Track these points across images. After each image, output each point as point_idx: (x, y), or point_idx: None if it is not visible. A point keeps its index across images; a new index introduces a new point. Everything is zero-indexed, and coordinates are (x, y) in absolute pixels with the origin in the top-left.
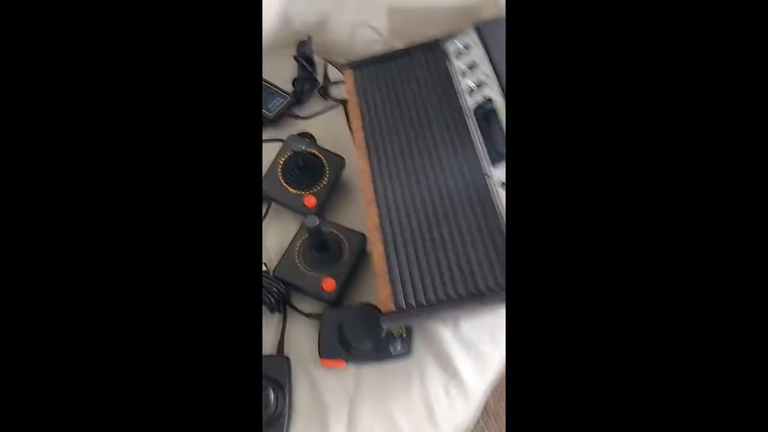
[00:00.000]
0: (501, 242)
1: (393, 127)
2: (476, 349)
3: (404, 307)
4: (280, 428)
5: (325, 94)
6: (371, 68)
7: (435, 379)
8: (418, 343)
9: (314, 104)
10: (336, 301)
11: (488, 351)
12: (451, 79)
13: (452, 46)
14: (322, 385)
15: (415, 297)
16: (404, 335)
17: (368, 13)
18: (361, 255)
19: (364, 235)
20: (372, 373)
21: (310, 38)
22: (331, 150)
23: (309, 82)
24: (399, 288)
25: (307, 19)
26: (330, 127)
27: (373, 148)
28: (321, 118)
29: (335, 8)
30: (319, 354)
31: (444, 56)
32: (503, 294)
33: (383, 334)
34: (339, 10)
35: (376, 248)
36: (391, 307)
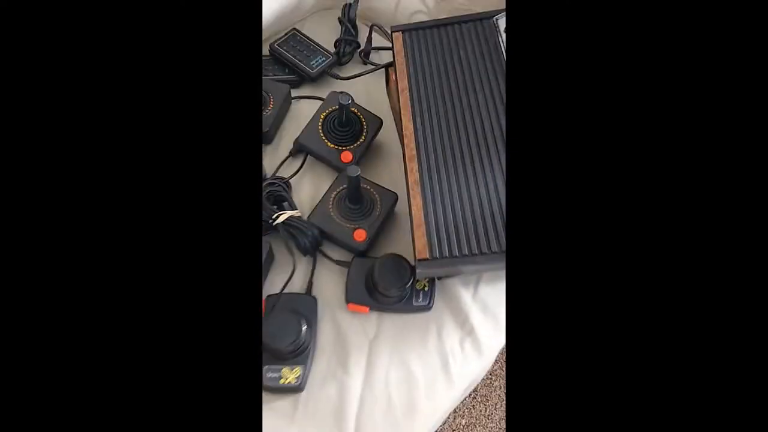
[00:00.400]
0: None
1: (439, 92)
2: (492, 312)
3: (438, 256)
4: (305, 360)
5: (365, 58)
6: (420, 33)
7: (452, 333)
8: (438, 300)
9: (354, 67)
10: (365, 252)
11: (503, 315)
12: (501, 52)
13: (504, 21)
14: (345, 326)
15: (449, 248)
16: (426, 289)
17: None
18: (391, 212)
19: (395, 194)
20: (393, 320)
21: (356, 1)
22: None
23: (351, 44)
24: (434, 239)
25: None
26: (368, 90)
27: (418, 109)
28: (360, 81)
29: None
30: (346, 298)
31: (495, 30)
32: None
33: (409, 284)
34: None
35: (415, 201)
36: (427, 255)
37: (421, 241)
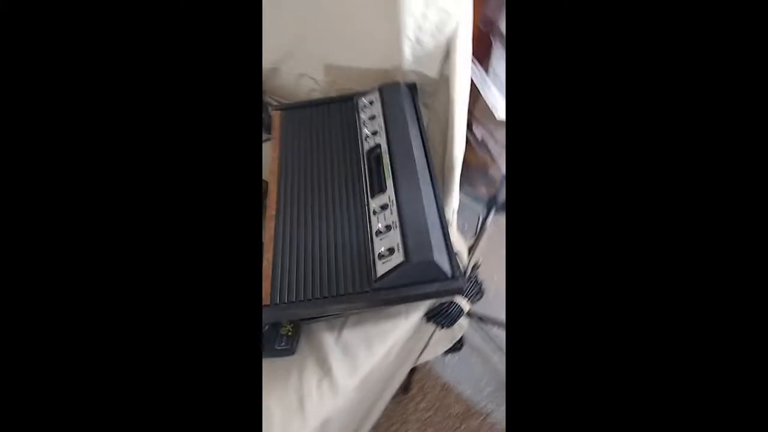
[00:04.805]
0: (366, 257)
1: (304, 160)
2: (353, 353)
3: (278, 302)
4: None
5: (265, 130)
6: (297, 112)
7: (311, 375)
8: (303, 344)
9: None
10: None
11: (362, 356)
12: (357, 127)
13: (361, 101)
14: None
15: (287, 295)
16: (291, 334)
17: (310, 66)
18: None
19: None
20: None
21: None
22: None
23: None
24: (277, 288)
25: (263, 66)
26: (263, 155)
27: (284, 174)
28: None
29: (285, 59)
30: None
31: (354, 108)
32: (362, 296)
33: (265, 328)
34: (288, 61)
35: (267, 255)
36: (268, 301)
37: (265, 291)
